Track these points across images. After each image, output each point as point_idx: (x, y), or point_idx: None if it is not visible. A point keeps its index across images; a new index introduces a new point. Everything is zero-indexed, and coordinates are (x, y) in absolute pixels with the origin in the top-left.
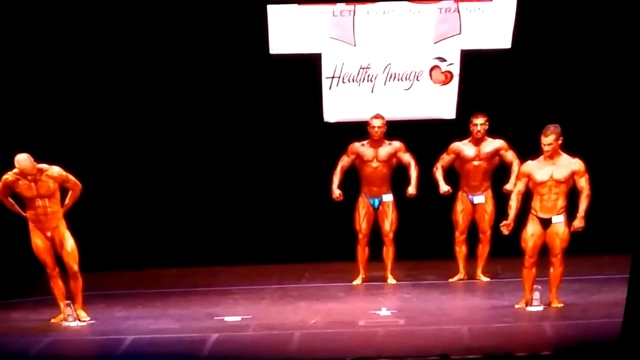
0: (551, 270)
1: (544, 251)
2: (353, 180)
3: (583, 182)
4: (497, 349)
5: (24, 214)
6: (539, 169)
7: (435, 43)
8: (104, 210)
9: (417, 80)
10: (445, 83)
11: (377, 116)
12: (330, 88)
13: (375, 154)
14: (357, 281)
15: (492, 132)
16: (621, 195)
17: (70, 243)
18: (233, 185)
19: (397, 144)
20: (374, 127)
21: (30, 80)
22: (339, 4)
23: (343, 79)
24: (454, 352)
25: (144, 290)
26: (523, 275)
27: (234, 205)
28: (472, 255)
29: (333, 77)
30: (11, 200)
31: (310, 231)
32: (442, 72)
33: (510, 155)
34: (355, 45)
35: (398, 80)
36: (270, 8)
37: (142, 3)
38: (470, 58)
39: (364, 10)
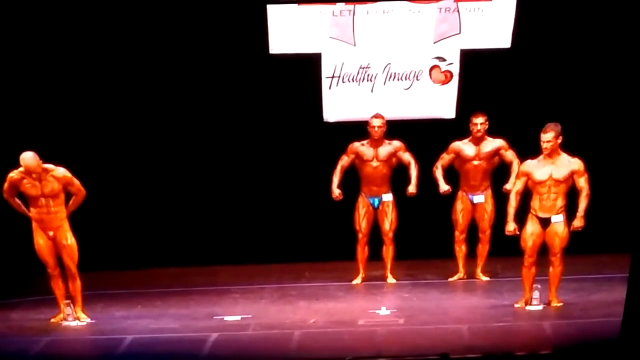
0: (550, 269)
1: (543, 250)
2: (353, 179)
3: (582, 182)
4: (496, 348)
5: (30, 215)
6: (539, 169)
7: (435, 43)
8: (104, 209)
9: (417, 79)
10: (445, 83)
11: (377, 116)
12: (330, 88)
13: (375, 154)
14: (357, 280)
15: (491, 132)
16: (621, 194)
17: (71, 244)
18: (233, 184)
19: (397, 143)
20: (374, 126)
21: (31, 80)
22: (338, 4)
23: (343, 78)
24: (453, 351)
25: (144, 290)
26: (522, 275)
27: (233, 205)
28: (471, 255)
29: (333, 77)
30: (18, 201)
31: (310, 231)
32: (442, 72)
33: (510, 155)
34: (355, 45)
35: (398, 79)
36: (270, 8)
37: (143, 3)
38: (469, 58)
39: (364, 10)
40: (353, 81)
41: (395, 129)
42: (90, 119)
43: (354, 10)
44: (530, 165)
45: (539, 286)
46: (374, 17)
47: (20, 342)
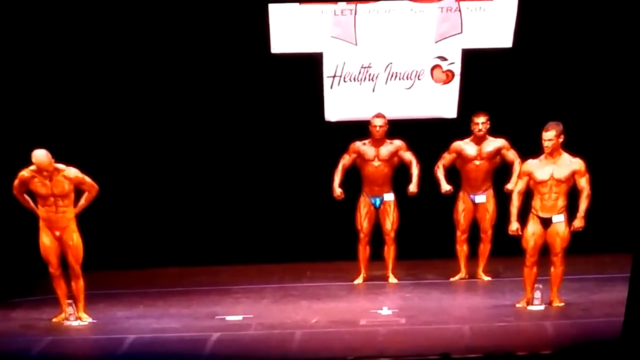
0: (552, 269)
1: (544, 250)
2: (354, 179)
3: (584, 182)
4: (498, 348)
5: (38, 212)
6: (540, 168)
7: (436, 42)
8: (106, 209)
9: (419, 79)
10: (446, 82)
11: (379, 115)
12: (331, 87)
13: (376, 153)
14: (359, 280)
15: (493, 131)
16: (622, 194)
17: (76, 244)
18: (234, 184)
19: (398, 142)
20: (375, 126)
21: (31, 80)
22: (340, 3)
23: (344, 78)
24: (455, 351)
25: (145, 290)
26: (524, 275)
27: (235, 205)
28: (473, 255)
29: (334, 76)
30: (27, 197)
31: (311, 230)
32: (443, 71)
33: (511, 155)
34: (356, 45)
35: (399, 79)
36: (272, 7)
37: (144, 4)
38: (471, 57)
39: (365, 9)
40: (354, 81)
41: (397, 128)
42: (92, 120)
43: (355, 10)
44: (531, 164)
45: (540, 286)
46: (376, 17)
47: (22, 341)
